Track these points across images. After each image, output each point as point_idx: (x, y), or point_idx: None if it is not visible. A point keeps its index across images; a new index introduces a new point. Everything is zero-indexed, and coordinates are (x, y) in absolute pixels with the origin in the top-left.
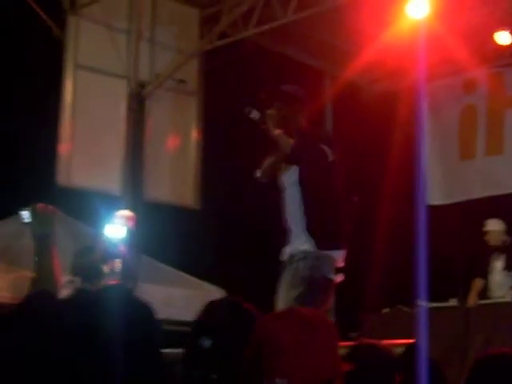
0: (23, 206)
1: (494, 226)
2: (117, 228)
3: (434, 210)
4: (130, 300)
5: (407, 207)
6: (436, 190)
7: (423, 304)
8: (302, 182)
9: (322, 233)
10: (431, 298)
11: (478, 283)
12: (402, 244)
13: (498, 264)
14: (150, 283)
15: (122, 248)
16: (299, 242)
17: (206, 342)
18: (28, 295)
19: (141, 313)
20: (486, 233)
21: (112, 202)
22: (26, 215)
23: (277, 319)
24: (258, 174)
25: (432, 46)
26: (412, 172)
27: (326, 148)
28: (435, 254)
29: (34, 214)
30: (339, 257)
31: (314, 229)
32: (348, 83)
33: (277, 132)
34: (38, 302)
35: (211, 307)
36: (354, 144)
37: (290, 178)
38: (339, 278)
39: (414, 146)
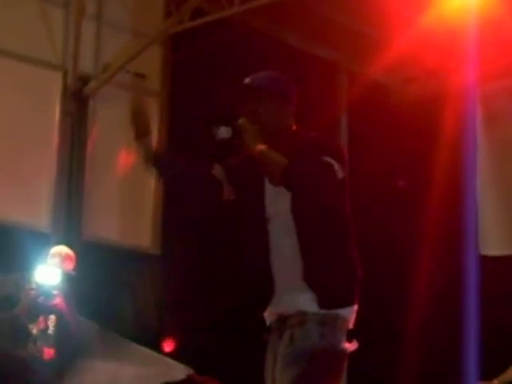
0: None
1: None
2: (50, 271)
3: (488, 262)
4: None
5: (452, 257)
6: (492, 236)
7: None
8: (299, 209)
9: (329, 283)
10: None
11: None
12: (443, 307)
13: None
14: (87, 357)
15: (58, 299)
16: (294, 299)
17: None
18: None
19: None
20: None
21: (39, 242)
22: None
23: None
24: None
25: (489, 36)
26: (459, 208)
27: (333, 161)
28: (489, 322)
29: None
30: (351, 315)
31: (316, 278)
32: (371, 82)
33: (260, 148)
34: None
35: None
36: (377, 164)
37: (278, 204)
38: (352, 345)
39: (462, 171)
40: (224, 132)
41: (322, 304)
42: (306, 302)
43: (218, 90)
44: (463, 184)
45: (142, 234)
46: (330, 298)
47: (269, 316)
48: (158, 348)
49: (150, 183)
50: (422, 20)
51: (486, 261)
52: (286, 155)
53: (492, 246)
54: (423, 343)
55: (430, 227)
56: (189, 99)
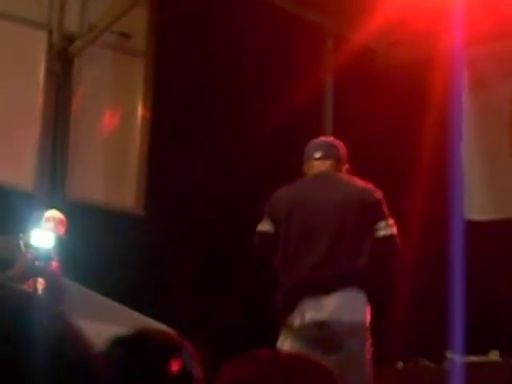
0: None
1: None
2: (45, 235)
3: (473, 227)
4: None
5: (438, 223)
6: (477, 201)
7: (456, 358)
8: None
9: None
10: (465, 350)
11: None
12: (427, 273)
13: None
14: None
15: (54, 263)
16: None
17: None
18: None
19: None
20: None
21: (23, 202)
22: None
23: (249, 364)
24: None
25: None
26: (446, 174)
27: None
28: (473, 289)
29: None
30: (287, 322)
31: None
32: (358, 46)
33: None
34: None
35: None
36: (363, 130)
37: None
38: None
39: (449, 135)
40: None
41: None
42: None
43: (204, 51)
44: (449, 148)
45: (126, 194)
46: None
47: None
48: (142, 310)
49: (135, 143)
50: None
51: (470, 225)
52: None
53: (476, 210)
54: (410, 311)
55: (416, 193)
56: (174, 59)
